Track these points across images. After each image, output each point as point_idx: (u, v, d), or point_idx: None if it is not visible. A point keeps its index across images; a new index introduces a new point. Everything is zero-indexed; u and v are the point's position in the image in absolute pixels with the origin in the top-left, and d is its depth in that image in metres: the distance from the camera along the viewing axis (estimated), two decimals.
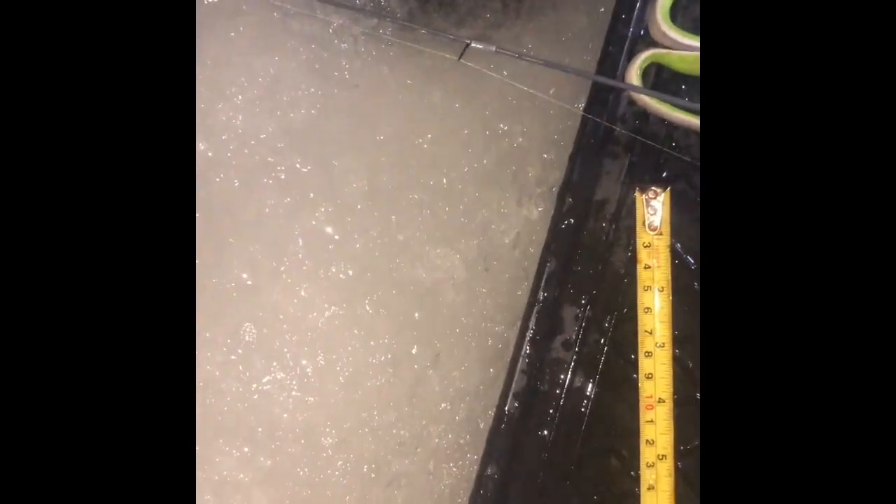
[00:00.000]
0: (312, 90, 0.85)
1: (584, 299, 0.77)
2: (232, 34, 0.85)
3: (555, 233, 0.78)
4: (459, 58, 0.72)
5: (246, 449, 0.82)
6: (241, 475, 0.82)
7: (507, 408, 0.77)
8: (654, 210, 0.76)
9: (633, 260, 0.77)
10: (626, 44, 0.77)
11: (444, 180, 0.86)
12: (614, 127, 0.77)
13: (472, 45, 0.71)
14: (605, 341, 0.77)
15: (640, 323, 0.75)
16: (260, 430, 0.82)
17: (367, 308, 0.85)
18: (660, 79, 0.77)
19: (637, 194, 0.76)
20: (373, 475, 0.83)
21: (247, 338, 0.83)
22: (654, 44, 0.76)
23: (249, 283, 0.84)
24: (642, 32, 0.77)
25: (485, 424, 0.82)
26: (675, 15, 0.76)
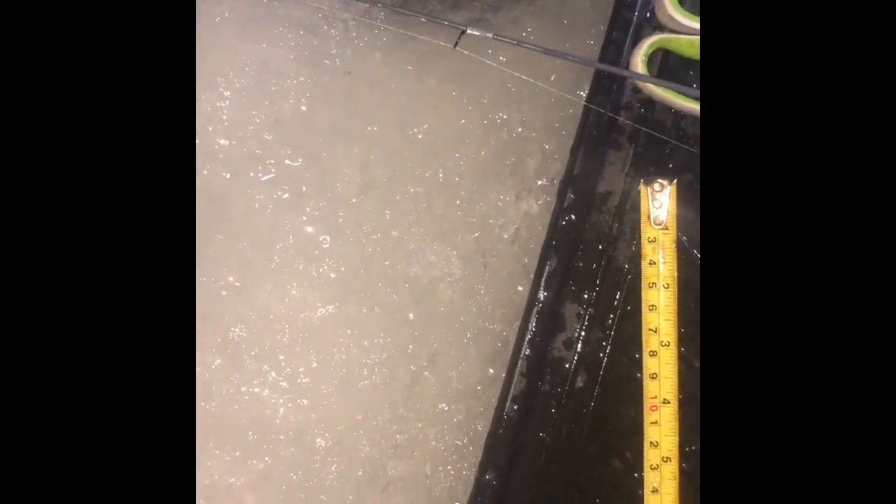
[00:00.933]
0: (302, 79, 0.82)
1: (586, 296, 0.75)
2: (217, 20, 0.82)
3: (556, 227, 0.76)
4: (455, 45, 0.69)
5: (237, 452, 0.81)
6: (233, 479, 0.80)
7: (506, 409, 0.75)
8: (660, 203, 0.73)
9: (637, 255, 0.74)
10: (632, 28, 0.75)
11: (440, 173, 0.84)
12: (618, 117, 0.74)
13: (469, 31, 0.68)
14: (607, 340, 0.75)
15: (644, 321, 0.73)
16: (251, 432, 0.81)
17: (361, 307, 0.83)
18: (667, 65, 0.75)
19: (642, 187, 0.74)
20: (368, 479, 0.82)
21: (236, 339, 0.81)
22: (661, 28, 0.74)
23: (238, 282, 0.81)
24: (648, 15, 0.75)
25: (483, 426, 0.80)
26: None
